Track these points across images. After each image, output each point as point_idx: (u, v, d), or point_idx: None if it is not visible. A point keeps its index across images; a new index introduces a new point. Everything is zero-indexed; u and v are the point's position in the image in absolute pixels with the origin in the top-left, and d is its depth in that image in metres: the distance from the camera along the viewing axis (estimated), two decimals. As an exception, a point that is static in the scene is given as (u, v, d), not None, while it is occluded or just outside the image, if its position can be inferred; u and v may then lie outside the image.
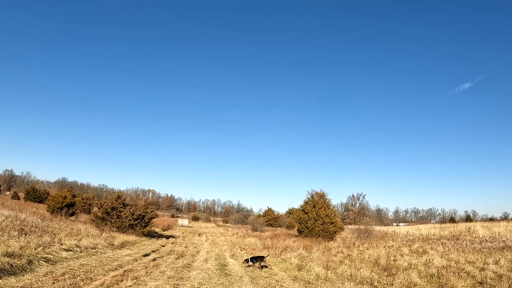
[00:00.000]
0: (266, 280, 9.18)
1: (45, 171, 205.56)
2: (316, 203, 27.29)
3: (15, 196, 59.49)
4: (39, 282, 6.51)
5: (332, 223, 26.55)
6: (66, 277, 7.19)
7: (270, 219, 63.77)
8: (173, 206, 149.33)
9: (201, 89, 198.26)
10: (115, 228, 19.37)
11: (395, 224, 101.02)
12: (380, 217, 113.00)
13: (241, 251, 17.37)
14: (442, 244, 22.17)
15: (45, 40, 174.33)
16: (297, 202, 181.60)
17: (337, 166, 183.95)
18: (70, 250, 10.52)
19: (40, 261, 8.24)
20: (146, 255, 12.63)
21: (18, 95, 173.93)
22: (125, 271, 8.77)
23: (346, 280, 9.65)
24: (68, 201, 27.55)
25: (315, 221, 26.43)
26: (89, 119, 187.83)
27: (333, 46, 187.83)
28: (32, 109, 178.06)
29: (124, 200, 21.36)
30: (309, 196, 28.26)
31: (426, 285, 9.46)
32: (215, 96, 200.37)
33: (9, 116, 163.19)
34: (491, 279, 9.87)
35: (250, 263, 11.41)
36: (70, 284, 6.66)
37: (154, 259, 11.64)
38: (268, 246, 18.83)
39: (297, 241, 21.63)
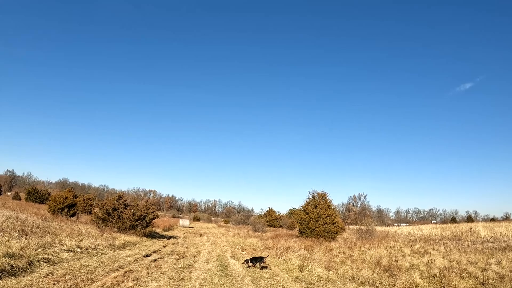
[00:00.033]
0: (268, 281, 9.14)
1: (46, 171, 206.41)
2: (317, 204, 27.22)
3: (16, 197, 59.55)
4: (39, 283, 6.50)
5: (333, 223, 26.49)
6: (66, 278, 7.18)
7: (271, 219, 63.72)
8: (174, 207, 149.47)
9: (201, 89, 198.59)
10: (116, 229, 19.36)
11: (396, 224, 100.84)
12: (381, 217, 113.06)
13: (242, 251, 17.35)
14: (443, 244, 22.09)
15: (45, 40, 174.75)
16: (298, 202, 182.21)
17: (337, 166, 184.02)
18: (71, 251, 10.51)
19: (41, 262, 8.23)
20: (147, 256, 12.61)
21: (18, 95, 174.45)
22: (126, 271, 8.75)
23: (348, 281, 9.61)
24: (69, 202, 27.56)
25: (316, 221, 26.37)
26: (89, 119, 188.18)
27: (333, 46, 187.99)
28: (32, 109, 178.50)
29: (125, 200, 21.35)
30: (310, 197, 28.20)
31: (428, 285, 9.42)
32: (215, 96, 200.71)
33: (9, 116, 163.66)
34: (493, 280, 9.83)
35: (250, 263, 11.38)
36: (70, 285, 6.65)
37: (155, 260, 11.63)
38: (269, 247, 18.80)
39: (298, 242, 21.56)
